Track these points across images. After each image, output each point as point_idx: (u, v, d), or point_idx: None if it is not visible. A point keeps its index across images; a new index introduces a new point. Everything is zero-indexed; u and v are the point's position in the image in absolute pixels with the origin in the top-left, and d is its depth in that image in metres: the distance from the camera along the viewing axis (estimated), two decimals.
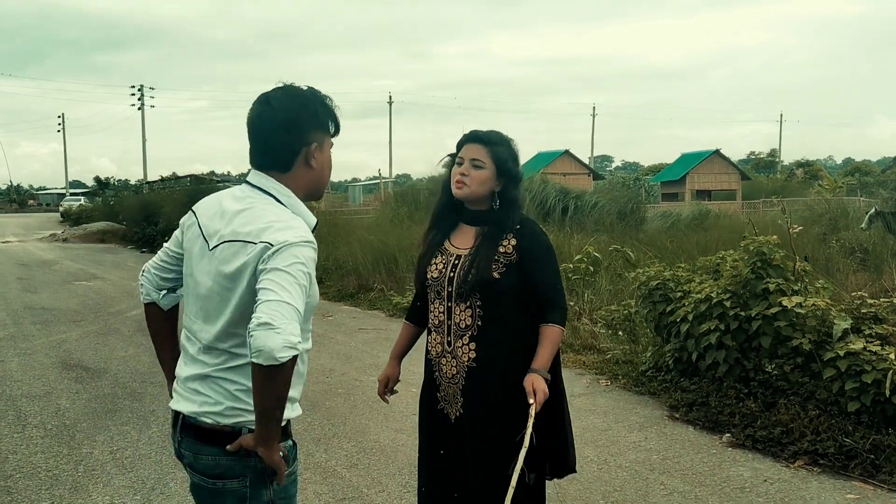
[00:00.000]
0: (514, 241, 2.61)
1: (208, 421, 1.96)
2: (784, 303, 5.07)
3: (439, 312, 2.70)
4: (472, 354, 2.62)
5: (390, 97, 65.18)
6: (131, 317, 9.91)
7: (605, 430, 5.16)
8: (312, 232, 1.99)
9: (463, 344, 2.64)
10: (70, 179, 74.32)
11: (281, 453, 1.92)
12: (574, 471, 2.83)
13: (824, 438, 4.53)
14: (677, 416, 5.38)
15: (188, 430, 2.01)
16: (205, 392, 1.99)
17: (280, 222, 1.92)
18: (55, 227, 34.26)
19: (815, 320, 5.10)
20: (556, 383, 2.69)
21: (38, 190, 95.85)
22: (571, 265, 9.00)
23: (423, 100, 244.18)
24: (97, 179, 55.35)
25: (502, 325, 2.61)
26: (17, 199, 74.43)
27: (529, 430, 2.44)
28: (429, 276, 2.72)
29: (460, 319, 2.64)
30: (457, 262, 2.66)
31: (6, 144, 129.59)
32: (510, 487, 2.38)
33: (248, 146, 2.07)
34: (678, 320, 5.71)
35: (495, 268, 2.58)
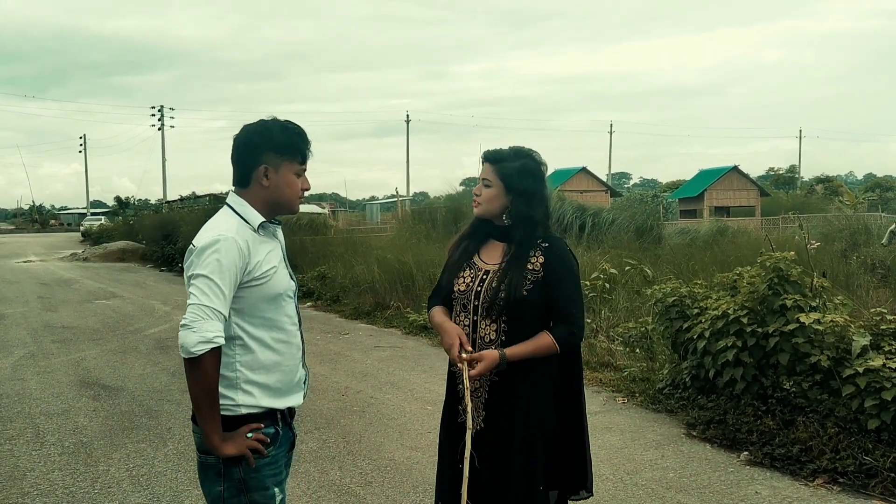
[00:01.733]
0: (541, 259, 2.63)
1: None
2: (802, 319, 5.03)
3: (464, 325, 2.70)
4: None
5: (408, 116, 65.82)
6: (150, 335, 9.98)
7: (622, 448, 5.12)
8: (256, 230, 2.30)
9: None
10: (91, 199, 75.37)
11: (250, 434, 2.23)
12: (590, 493, 2.79)
13: (844, 456, 4.47)
14: (694, 433, 5.34)
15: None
16: None
17: (211, 226, 2.29)
18: (76, 246, 34.60)
19: (833, 337, 5.05)
20: (577, 402, 2.71)
21: (59, 210, 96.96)
22: (588, 282, 8.97)
23: (440, 118, 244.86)
24: (118, 199, 55.92)
25: (524, 341, 2.61)
26: (40, 218, 75.26)
27: (468, 397, 2.55)
28: (456, 289, 2.74)
29: (485, 333, 2.65)
30: (485, 276, 2.68)
31: (29, 165, 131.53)
32: (464, 477, 2.50)
33: None
34: (695, 337, 5.67)
35: (524, 287, 2.59)
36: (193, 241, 2.28)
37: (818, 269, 5.97)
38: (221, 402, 2.22)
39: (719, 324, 5.46)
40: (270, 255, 2.33)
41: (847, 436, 4.62)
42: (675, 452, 5.02)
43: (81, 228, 46.01)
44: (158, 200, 49.60)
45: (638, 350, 7.36)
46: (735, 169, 41.30)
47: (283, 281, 2.36)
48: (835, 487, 4.32)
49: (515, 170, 2.68)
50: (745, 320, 5.32)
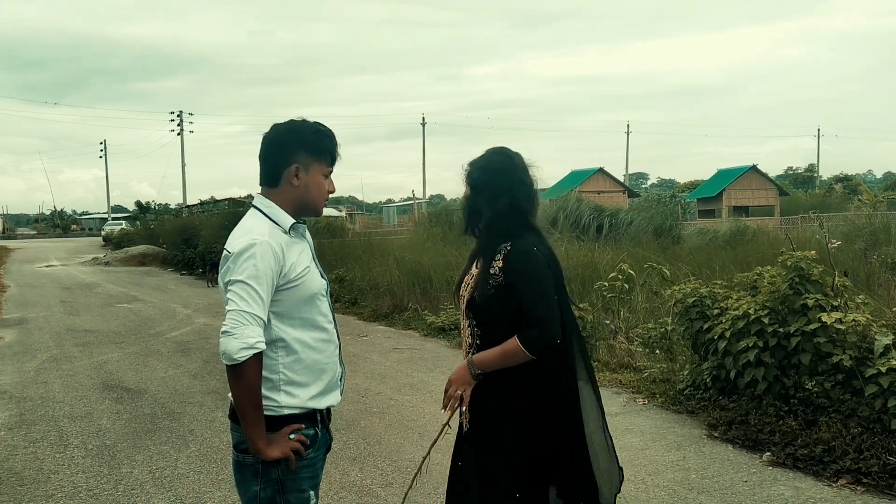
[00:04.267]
0: (500, 263, 2.61)
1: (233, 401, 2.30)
2: (823, 319, 5.00)
3: (462, 328, 2.81)
4: (477, 371, 2.65)
5: (423, 118, 65.55)
6: (171, 338, 10.06)
7: (643, 450, 5.11)
8: (288, 232, 2.32)
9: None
10: (112, 204, 75.84)
11: (292, 435, 2.25)
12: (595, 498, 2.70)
13: (867, 457, 4.44)
14: (716, 434, 5.31)
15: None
16: None
17: (242, 230, 2.30)
18: (97, 250, 34.90)
19: (855, 336, 5.01)
20: (571, 409, 2.67)
21: (81, 215, 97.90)
22: (607, 283, 8.94)
23: (456, 121, 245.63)
24: (138, 204, 56.30)
25: (495, 346, 2.60)
26: (61, 224, 75.99)
27: (447, 419, 2.67)
28: (460, 294, 2.82)
29: (466, 336, 2.76)
30: (470, 280, 2.75)
31: (50, 171, 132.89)
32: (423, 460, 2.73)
33: None
34: (716, 337, 5.65)
35: (487, 290, 2.60)
36: (227, 247, 2.29)
37: (839, 268, 5.92)
38: (263, 402, 2.23)
39: (740, 324, 5.44)
40: (302, 256, 2.35)
41: (870, 436, 4.58)
42: (697, 453, 5.00)
43: (102, 233, 46.33)
44: (178, 205, 50.00)
45: (658, 351, 7.33)
46: (753, 168, 40.98)
47: (317, 280, 2.37)
48: (859, 488, 4.29)
49: (477, 168, 2.74)
50: (766, 320, 5.29)
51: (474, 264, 2.79)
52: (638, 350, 7.62)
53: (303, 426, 2.29)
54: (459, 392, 2.62)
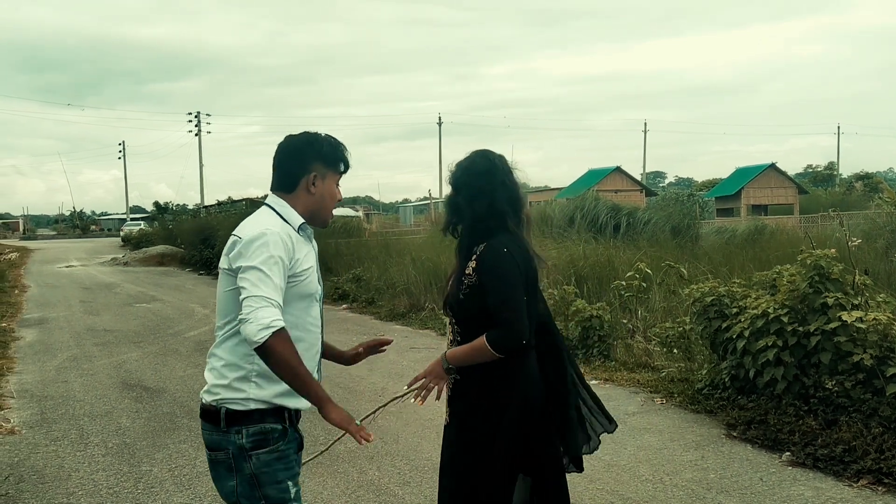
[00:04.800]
0: (473, 264, 2.67)
1: (202, 399, 2.39)
2: (844, 317, 4.95)
3: (449, 330, 2.85)
4: (455, 369, 2.71)
5: (440, 118, 65.57)
6: (190, 337, 10.12)
7: (661, 449, 5.08)
8: (298, 230, 2.41)
9: None
10: (130, 205, 76.30)
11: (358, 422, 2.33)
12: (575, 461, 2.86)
13: (889, 457, 4.39)
14: (735, 434, 5.28)
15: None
16: (205, 375, 2.42)
17: (255, 221, 2.38)
18: (116, 251, 35.18)
19: (876, 335, 4.96)
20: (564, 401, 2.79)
21: (100, 215, 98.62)
22: (624, 282, 8.91)
23: (471, 120, 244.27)
24: (156, 204, 56.76)
25: None
26: (81, 224, 76.60)
27: (400, 394, 2.86)
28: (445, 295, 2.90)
29: (448, 334, 2.82)
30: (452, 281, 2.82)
31: (69, 172, 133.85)
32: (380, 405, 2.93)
33: None
34: (734, 337, 5.61)
35: (461, 290, 2.68)
36: (237, 232, 2.35)
37: (860, 266, 5.87)
38: (232, 395, 2.31)
39: (759, 323, 5.40)
40: (308, 256, 2.43)
41: (892, 435, 4.54)
42: (716, 453, 4.97)
43: (121, 233, 46.69)
44: (196, 205, 50.26)
45: (676, 350, 7.29)
46: (772, 166, 40.70)
47: (314, 284, 2.45)
48: (880, 488, 4.25)
49: (460, 169, 2.78)
50: (785, 319, 5.25)
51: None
52: (656, 349, 7.59)
53: (368, 434, 2.33)
54: (432, 385, 2.71)
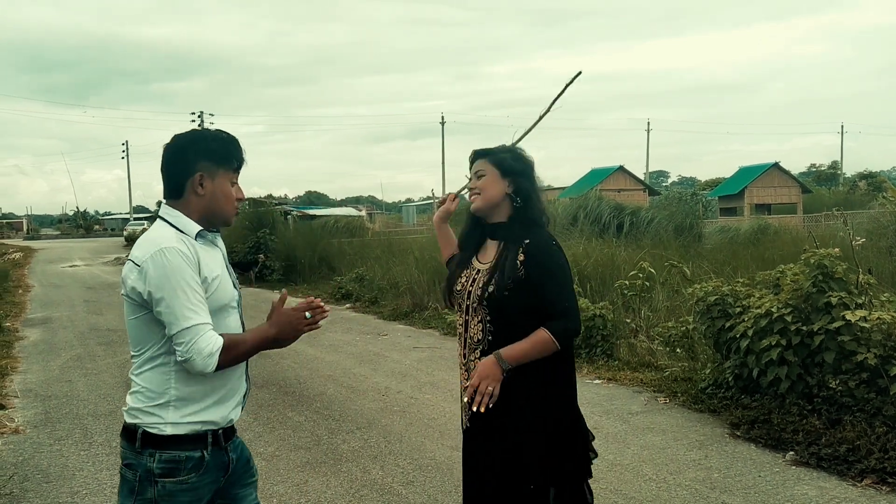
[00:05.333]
0: (521, 257, 2.60)
1: (124, 418, 2.25)
2: (847, 317, 4.94)
3: (459, 325, 2.76)
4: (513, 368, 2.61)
5: (442, 117, 65.51)
6: None
7: (664, 449, 5.08)
8: (196, 238, 2.23)
9: (475, 357, 2.66)
10: (134, 204, 76.42)
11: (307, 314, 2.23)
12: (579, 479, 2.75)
13: (893, 456, 4.38)
14: (738, 433, 5.27)
15: None
16: (126, 398, 2.28)
17: (148, 240, 2.19)
18: (120, 251, 35.24)
19: (880, 334, 4.96)
20: (570, 398, 2.71)
21: (103, 215, 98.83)
22: (627, 281, 8.90)
23: (474, 119, 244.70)
24: (159, 204, 56.64)
25: (512, 342, 2.58)
26: (84, 224, 76.71)
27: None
28: (455, 289, 2.80)
29: (474, 333, 2.68)
30: (476, 275, 2.71)
31: (73, 172, 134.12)
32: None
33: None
34: (738, 336, 5.60)
35: (505, 284, 2.58)
36: (132, 257, 2.19)
37: (863, 265, 5.86)
38: (149, 419, 2.18)
39: (763, 322, 5.39)
40: (213, 264, 2.26)
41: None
42: (719, 452, 4.96)
43: (125, 233, 46.74)
44: None
45: (679, 350, 7.29)
46: (776, 166, 40.69)
47: (228, 291, 2.30)
48: (884, 488, 4.24)
49: (508, 156, 2.74)
50: (789, 318, 5.25)
51: (473, 259, 2.79)
52: (659, 349, 7.58)
53: (321, 305, 2.26)
54: (491, 388, 2.55)
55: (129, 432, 2.22)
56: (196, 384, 2.20)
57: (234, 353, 2.16)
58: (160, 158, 2.29)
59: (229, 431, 2.32)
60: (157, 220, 2.29)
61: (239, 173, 2.35)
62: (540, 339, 2.53)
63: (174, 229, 2.22)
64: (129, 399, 2.26)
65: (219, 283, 2.24)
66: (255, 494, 2.46)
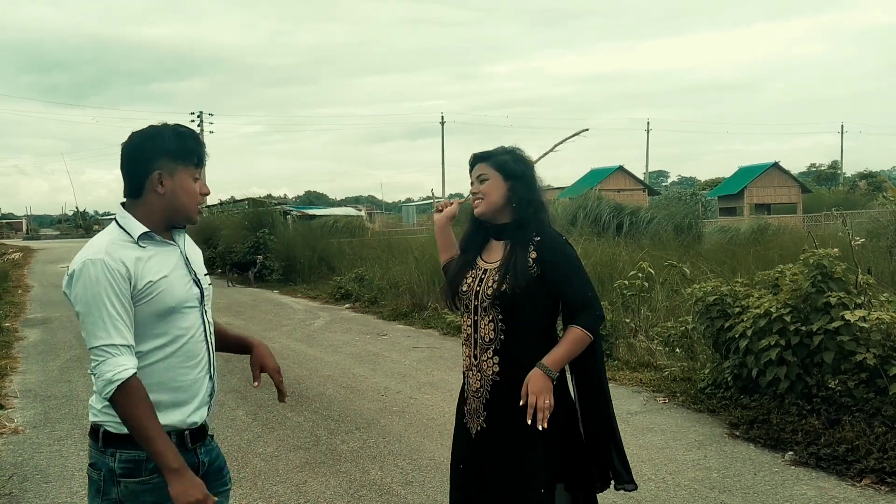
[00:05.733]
0: (533, 255, 2.61)
1: (90, 417, 2.22)
2: (847, 317, 4.94)
3: (467, 326, 2.74)
4: (496, 368, 2.62)
5: (442, 117, 65.54)
6: None
7: (663, 448, 5.08)
8: (136, 241, 2.14)
9: (487, 357, 2.65)
10: None
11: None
12: (634, 485, 2.73)
13: (892, 456, 4.39)
14: (737, 433, 5.27)
15: None
16: (91, 398, 2.23)
17: (84, 248, 2.15)
18: None
19: (879, 335, 4.96)
20: (601, 396, 2.69)
21: (102, 215, 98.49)
22: (626, 281, 8.90)
23: (474, 119, 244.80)
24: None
25: (525, 340, 2.60)
26: (84, 224, 76.58)
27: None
28: (460, 290, 2.77)
29: (485, 333, 2.66)
30: (483, 275, 2.70)
31: (72, 172, 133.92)
32: None
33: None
34: (737, 336, 5.61)
35: (518, 282, 2.57)
36: (67, 269, 2.15)
37: (863, 265, 5.86)
38: (108, 418, 2.13)
39: (762, 322, 5.39)
40: (158, 266, 2.15)
41: (895, 435, 4.53)
42: (718, 452, 4.96)
43: None
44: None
45: (678, 349, 7.29)
46: (775, 165, 40.66)
47: (177, 292, 2.18)
48: (883, 488, 4.24)
49: (509, 159, 2.73)
50: (788, 318, 5.25)
51: (478, 259, 2.78)
52: (658, 349, 7.59)
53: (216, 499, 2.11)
54: (548, 402, 2.51)
55: (94, 431, 2.19)
56: (157, 390, 2.13)
57: (135, 403, 2.03)
58: (120, 159, 2.21)
59: (197, 433, 2.26)
60: (113, 223, 2.21)
61: (201, 168, 2.26)
62: (574, 337, 2.54)
63: (117, 233, 2.16)
64: (92, 398, 2.22)
65: (165, 285, 2.14)
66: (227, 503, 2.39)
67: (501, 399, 2.61)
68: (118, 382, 2.01)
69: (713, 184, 53.59)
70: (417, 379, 7.35)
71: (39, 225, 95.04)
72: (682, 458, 4.88)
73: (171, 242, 2.24)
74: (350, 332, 10.48)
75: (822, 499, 4.16)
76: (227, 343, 2.57)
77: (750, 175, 40.75)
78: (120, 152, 2.21)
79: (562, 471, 2.61)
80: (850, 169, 72.41)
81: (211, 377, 2.32)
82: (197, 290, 2.25)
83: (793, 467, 4.64)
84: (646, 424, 5.60)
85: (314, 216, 26.75)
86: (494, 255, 2.73)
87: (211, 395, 2.33)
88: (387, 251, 15.85)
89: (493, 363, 2.63)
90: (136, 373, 2.05)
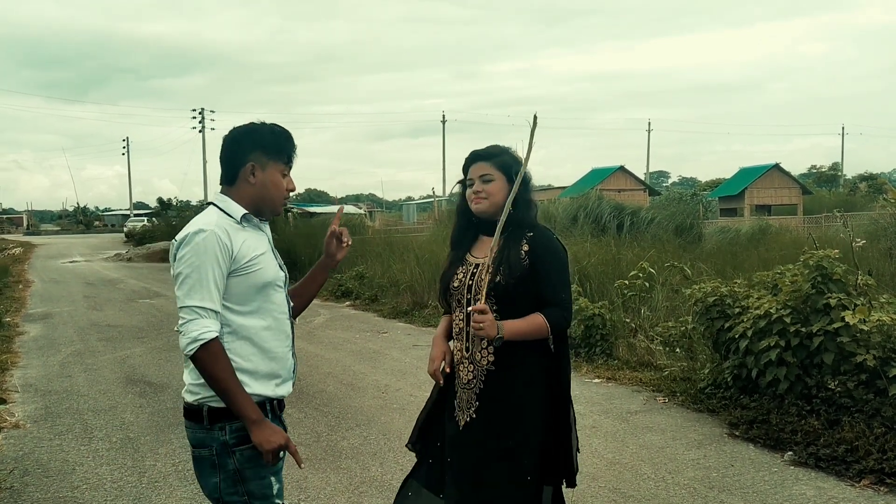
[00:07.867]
0: (526, 248, 2.67)
1: (184, 398, 2.37)
2: (847, 318, 4.95)
3: (459, 320, 2.79)
4: (491, 358, 2.68)
5: (444, 116, 65.63)
6: None
7: (663, 448, 5.09)
8: (240, 222, 2.36)
9: (482, 349, 2.70)
10: (134, 201, 76.45)
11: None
12: (573, 477, 2.78)
13: (891, 457, 4.40)
14: (737, 433, 5.28)
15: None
16: (184, 376, 2.40)
17: (192, 223, 2.34)
18: (120, 247, 35.23)
19: (879, 336, 4.97)
20: (562, 394, 2.73)
21: (103, 211, 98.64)
22: (627, 281, 8.91)
23: (475, 118, 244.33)
24: (160, 200, 56.53)
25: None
26: (84, 220, 76.56)
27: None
28: (451, 286, 2.82)
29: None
30: (475, 270, 2.75)
31: (73, 168, 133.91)
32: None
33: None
34: (737, 336, 5.62)
35: (512, 276, 2.63)
36: (176, 237, 2.34)
37: (863, 267, 5.87)
38: (211, 392, 2.26)
39: (762, 323, 5.40)
40: (256, 244, 2.38)
41: (894, 436, 4.55)
42: (718, 452, 4.98)
43: (125, 229, 46.71)
44: (199, 201, 50.23)
45: (678, 349, 7.30)
46: (776, 167, 40.64)
47: (272, 270, 2.40)
48: (882, 488, 4.25)
49: (511, 159, 2.78)
50: (788, 319, 5.26)
51: (467, 255, 2.83)
52: (658, 348, 7.59)
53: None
54: (482, 327, 2.52)
55: (194, 412, 2.33)
56: (252, 359, 2.33)
57: (214, 360, 2.21)
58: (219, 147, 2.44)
59: (282, 404, 2.49)
60: (209, 205, 2.42)
61: (290, 166, 2.46)
62: (535, 322, 2.60)
63: (220, 214, 2.35)
64: (187, 376, 2.36)
65: (260, 263, 2.35)
66: None
67: (497, 386, 2.68)
68: (202, 342, 2.19)
69: (714, 184, 53.58)
70: (417, 377, 7.35)
71: (40, 220, 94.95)
72: (681, 458, 4.89)
73: (263, 227, 2.47)
74: (350, 329, 10.49)
75: (821, 499, 4.17)
76: (311, 281, 2.78)
77: (751, 176, 40.73)
78: (221, 143, 2.43)
79: (546, 463, 2.68)
80: (850, 171, 72.54)
81: (294, 354, 2.51)
82: (283, 274, 2.48)
83: (792, 467, 4.66)
84: (645, 424, 5.62)
85: (315, 214, 26.77)
86: (483, 250, 2.78)
87: (293, 371, 2.52)
88: (387, 249, 15.85)
89: (489, 353, 2.69)
90: (218, 336, 2.23)
